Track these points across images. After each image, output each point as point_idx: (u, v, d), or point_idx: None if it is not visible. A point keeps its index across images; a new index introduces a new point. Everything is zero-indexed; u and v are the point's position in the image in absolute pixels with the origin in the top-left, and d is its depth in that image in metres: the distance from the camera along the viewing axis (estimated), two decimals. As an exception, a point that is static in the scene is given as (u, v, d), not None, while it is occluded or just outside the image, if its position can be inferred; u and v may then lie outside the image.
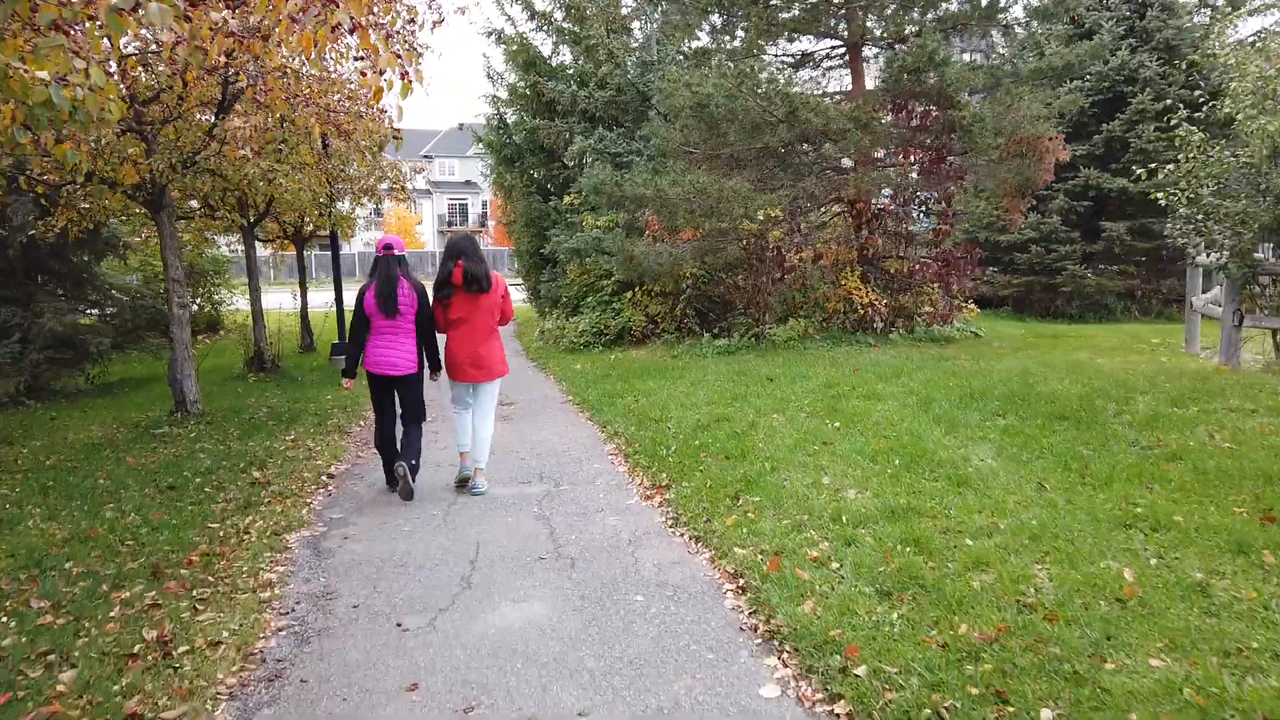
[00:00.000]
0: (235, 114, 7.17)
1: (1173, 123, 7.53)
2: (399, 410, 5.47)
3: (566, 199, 13.96)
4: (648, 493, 5.27)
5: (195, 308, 18.38)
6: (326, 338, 14.35)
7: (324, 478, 6.03)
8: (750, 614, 3.52)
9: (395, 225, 52.55)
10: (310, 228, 14.41)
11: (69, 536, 4.81)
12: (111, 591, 4.00)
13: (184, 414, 8.02)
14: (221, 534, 4.79)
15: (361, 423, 8.00)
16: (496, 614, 3.67)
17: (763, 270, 10.08)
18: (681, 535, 4.51)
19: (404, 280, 5.20)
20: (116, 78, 4.36)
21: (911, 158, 9.82)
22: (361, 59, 3.99)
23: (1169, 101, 15.62)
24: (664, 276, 10.37)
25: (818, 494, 4.68)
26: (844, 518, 4.25)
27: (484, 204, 59.74)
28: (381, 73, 3.27)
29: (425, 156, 59.68)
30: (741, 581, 3.79)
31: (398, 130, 9.10)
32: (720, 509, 4.67)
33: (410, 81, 3.31)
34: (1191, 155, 6.78)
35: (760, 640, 3.30)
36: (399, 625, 3.60)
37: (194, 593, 3.95)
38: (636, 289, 12.12)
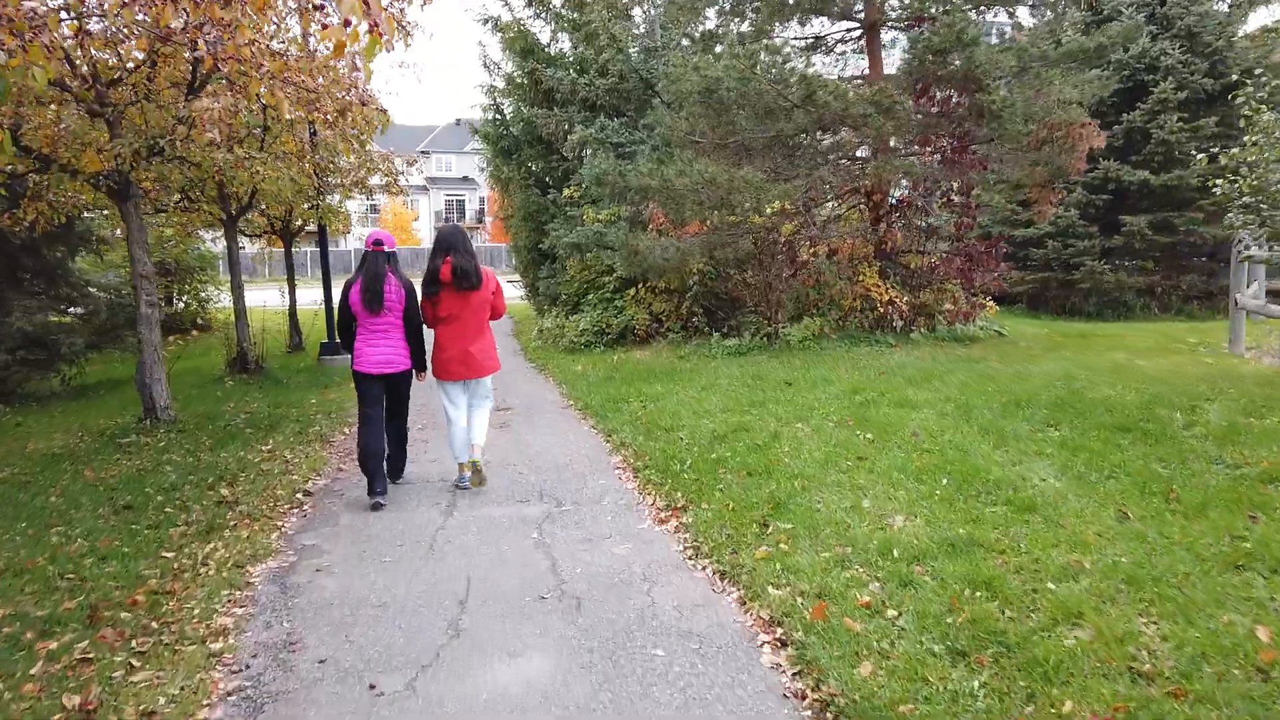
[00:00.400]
0: (205, 95, 6.56)
1: (1237, 100, 6.89)
2: (385, 413, 5.28)
3: (566, 191, 13.35)
4: (662, 515, 4.67)
5: (181, 305, 17.80)
6: (315, 337, 13.75)
7: (299, 495, 5.43)
8: (794, 675, 2.93)
9: (391, 221, 51.95)
10: (299, 222, 13.78)
11: (3, 568, 4.21)
12: (38, 640, 3.40)
13: (153, 421, 7.40)
14: (176, 566, 4.19)
15: (346, 430, 7.39)
16: (489, 672, 3.07)
17: (774, 266, 9.49)
18: (704, 569, 3.91)
19: (391, 276, 5.00)
20: (45, 43, 3.74)
21: (932, 146, 9.22)
22: (320, 6, 3.37)
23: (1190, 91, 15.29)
24: (670, 272, 9.77)
25: (859, 520, 4.08)
26: (894, 551, 3.66)
27: (481, 200, 59.09)
28: (346, 23, 2.67)
29: (422, 152, 59.04)
30: (780, 632, 3.20)
31: (383, 109, 8.52)
32: (747, 537, 4.07)
33: (380, 35, 2.70)
34: (1255, 138, 6.18)
35: (809, 712, 2.71)
36: (372, 688, 3.00)
37: (133, 643, 3.34)
38: (640, 286, 11.52)
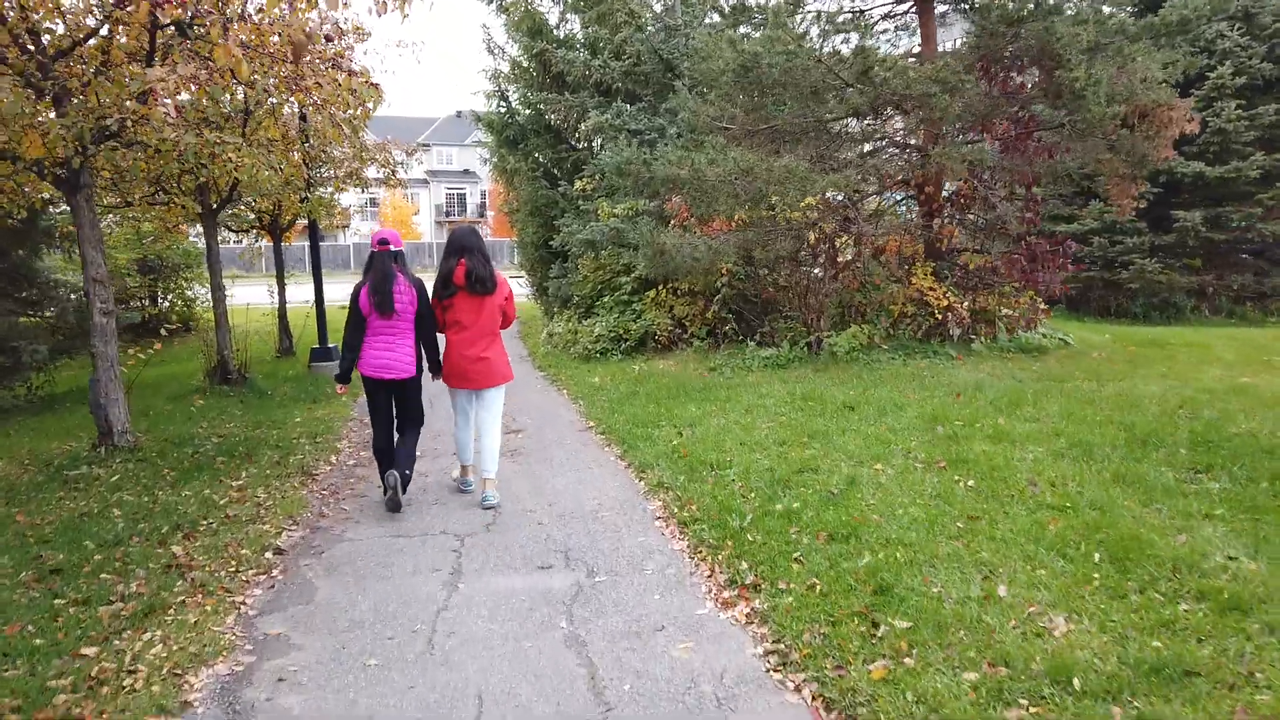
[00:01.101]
0: (163, 64, 5.53)
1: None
2: (395, 417, 5.11)
3: (578, 184, 12.31)
4: (725, 595, 3.65)
5: (166, 304, 16.77)
6: (307, 340, 12.73)
7: (269, 555, 4.41)
8: None
9: (391, 215, 50.92)
10: (289, 217, 12.74)
11: None
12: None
13: (109, 448, 6.39)
14: (96, 672, 3.17)
15: (333, 460, 6.38)
16: None
17: (816, 266, 8.46)
18: (798, 689, 2.90)
19: (401, 277, 4.83)
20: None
21: (993, 131, 8.17)
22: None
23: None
24: (699, 273, 8.74)
25: (1001, 618, 3.06)
26: (1074, 680, 2.64)
27: (483, 193, 58.01)
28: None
29: (423, 145, 57.88)
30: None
31: (374, 83, 7.54)
32: (850, 642, 3.05)
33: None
34: None
35: None
36: None
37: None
38: (661, 287, 10.49)
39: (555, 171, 13.91)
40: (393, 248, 4.84)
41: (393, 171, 13.47)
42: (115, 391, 6.43)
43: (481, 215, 57.93)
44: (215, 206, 9.85)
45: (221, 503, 5.23)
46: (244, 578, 4.09)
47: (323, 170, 12.78)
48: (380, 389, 4.93)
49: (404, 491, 4.95)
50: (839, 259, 8.72)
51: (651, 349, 10.35)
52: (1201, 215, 14.01)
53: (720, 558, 3.97)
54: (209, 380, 9.80)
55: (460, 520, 4.86)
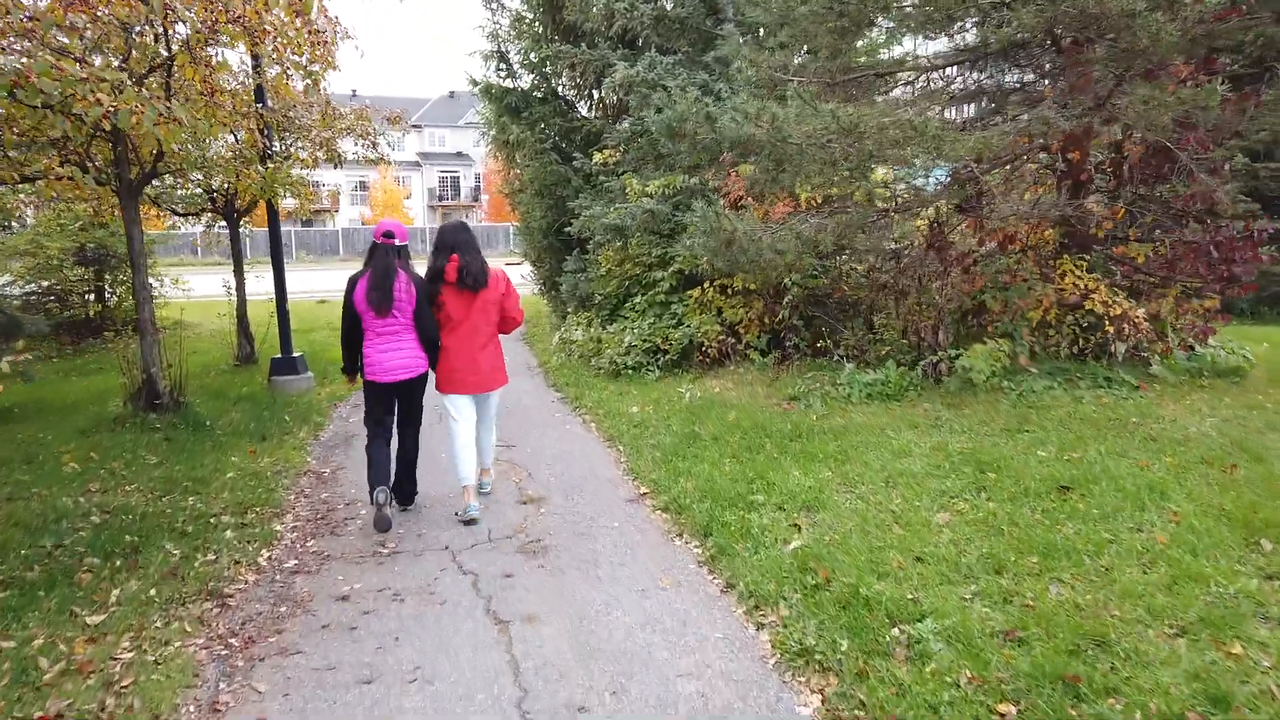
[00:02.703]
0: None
1: None
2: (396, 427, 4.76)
3: (597, 156, 10.07)
4: None
5: (113, 300, 14.52)
6: (267, 350, 10.52)
7: None
8: None
9: (382, 199, 48.49)
10: (246, 198, 10.47)
11: None
12: None
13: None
14: None
15: (260, 565, 4.19)
16: None
17: (929, 260, 6.30)
18: None
19: (401, 273, 4.46)
20: None
21: (1189, 74, 5.97)
22: None
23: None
24: (781, 269, 6.55)
25: None
26: None
27: (477, 176, 55.56)
28: None
29: (414, 126, 55.32)
30: None
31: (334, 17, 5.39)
32: None
33: None
34: None
35: None
36: None
37: None
38: (706, 285, 8.31)
39: (563, 146, 11.68)
40: (397, 242, 4.53)
41: (373, 144, 11.24)
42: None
43: (475, 199, 55.50)
44: (135, 182, 7.61)
45: (44, 678, 3.05)
46: None
47: (288, 142, 10.57)
48: (389, 393, 4.61)
49: (409, 505, 4.87)
50: (948, 253, 6.53)
51: (697, 363, 8.16)
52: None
53: None
54: (131, 406, 7.60)
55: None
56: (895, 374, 6.20)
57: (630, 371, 8.20)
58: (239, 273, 10.95)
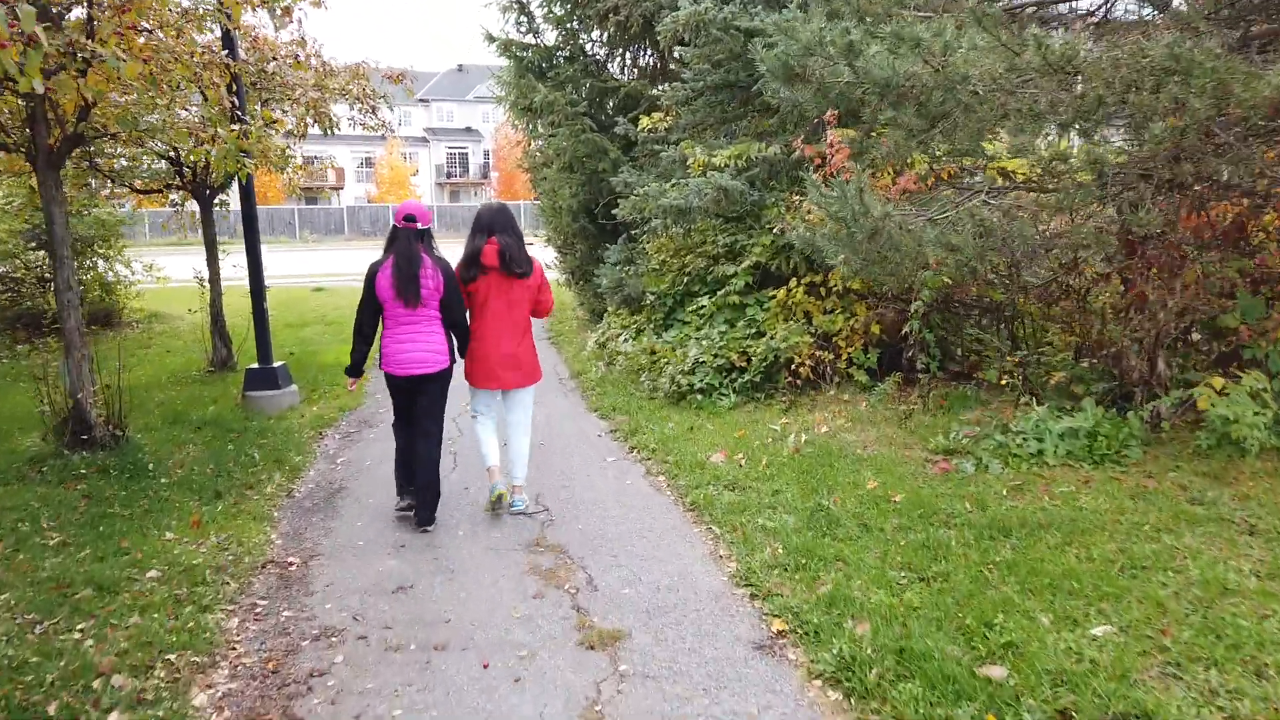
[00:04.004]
0: None
1: None
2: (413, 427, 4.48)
3: (644, 120, 8.18)
4: None
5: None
6: (245, 358, 8.76)
7: None
8: None
9: (388, 176, 46.55)
10: (219, 172, 8.60)
11: None
12: None
13: None
14: None
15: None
16: None
17: (1156, 261, 4.45)
18: None
19: (426, 259, 4.16)
20: None
21: None
22: None
23: None
24: (959, 271, 4.73)
25: None
26: None
27: (486, 153, 53.49)
28: None
29: (421, 100, 53.15)
30: None
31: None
32: None
33: None
34: None
35: None
36: None
37: None
38: (793, 284, 6.47)
39: (594, 113, 9.80)
40: (420, 225, 4.18)
41: (372, 108, 9.43)
42: None
43: (485, 176, 53.48)
44: (56, 148, 5.79)
45: None
46: None
47: (271, 106, 8.75)
48: (409, 386, 4.27)
49: (434, 509, 4.34)
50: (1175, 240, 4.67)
51: (785, 388, 6.32)
52: None
53: None
54: (56, 441, 5.83)
55: None
56: (1101, 422, 4.36)
57: (697, 396, 6.38)
58: (213, 263, 9.15)
